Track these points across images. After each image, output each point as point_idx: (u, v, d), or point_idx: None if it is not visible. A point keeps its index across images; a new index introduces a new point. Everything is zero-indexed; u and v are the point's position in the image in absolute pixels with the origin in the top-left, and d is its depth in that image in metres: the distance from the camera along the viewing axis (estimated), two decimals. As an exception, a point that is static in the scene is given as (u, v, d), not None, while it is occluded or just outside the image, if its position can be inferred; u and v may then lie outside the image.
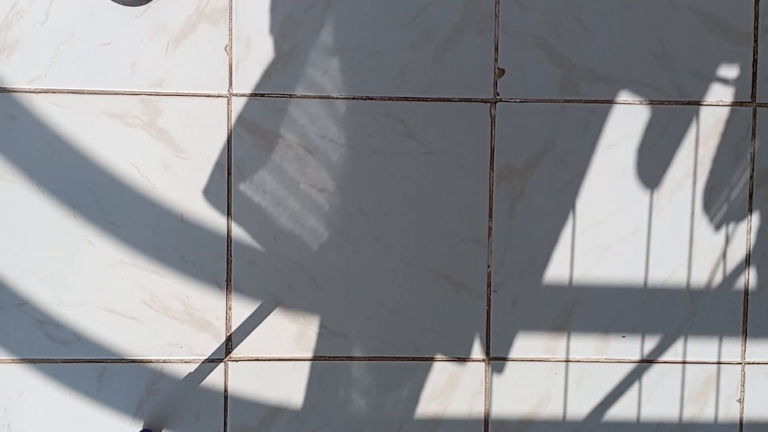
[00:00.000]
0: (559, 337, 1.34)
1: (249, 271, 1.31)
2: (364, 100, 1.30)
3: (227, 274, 1.31)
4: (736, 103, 1.31)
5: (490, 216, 1.32)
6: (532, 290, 1.33)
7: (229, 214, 1.30)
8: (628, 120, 1.31)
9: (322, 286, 1.32)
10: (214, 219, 1.30)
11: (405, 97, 1.31)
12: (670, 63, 1.31)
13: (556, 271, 1.33)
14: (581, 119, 1.31)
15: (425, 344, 1.33)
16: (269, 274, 1.31)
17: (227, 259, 1.31)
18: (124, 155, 1.29)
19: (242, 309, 1.32)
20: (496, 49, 1.30)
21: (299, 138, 1.30)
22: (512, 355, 1.34)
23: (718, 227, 1.33)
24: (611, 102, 1.31)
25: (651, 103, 1.31)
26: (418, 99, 1.31)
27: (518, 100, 1.31)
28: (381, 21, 1.29)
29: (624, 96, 1.31)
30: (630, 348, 1.34)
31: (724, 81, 1.31)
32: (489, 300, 1.33)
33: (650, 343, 1.34)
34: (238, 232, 1.31)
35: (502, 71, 1.31)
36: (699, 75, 1.31)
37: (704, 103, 1.31)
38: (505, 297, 1.33)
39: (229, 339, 1.32)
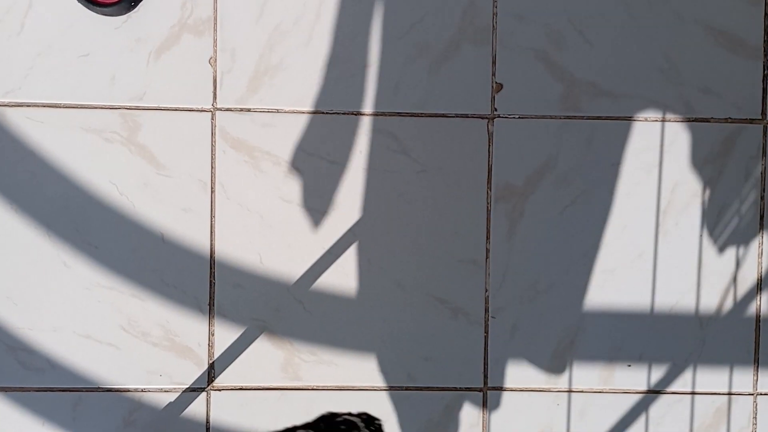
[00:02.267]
0: (562, 365, 1.26)
1: (233, 295, 1.24)
2: (356, 115, 1.24)
3: (210, 297, 1.24)
4: (745, 120, 1.25)
5: (488, 237, 1.25)
6: (532, 316, 1.26)
7: (212, 234, 1.24)
8: (632, 137, 1.25)
9: (311, 311, 1.25)
10: (197, 239, 1.23)
11: (399, 113, 1.24)
12: (676, 78, 1.25)
13: (558, 296, 1.26)
14: (583, 136, 1.25)
15: (420, 373, 1.26)
16: (255, 297, 1.24)
17: (210, 281, 1.24)
18: (102, 172, 1.22)
19: (226, 335, 1.25)
20: (494, 62, 1.24)
21: (287, 155, 1.24)
22: (511, 384, 1.27)
23: (727, 250, 1.26)
24: (615, 118, 1.25)
25: (657, 119, 1.25)
26: (413, 114, 1.24)
27: (517, 116, 1.25)
28: (373, 33, 1.24)
29: (628, 112, 1.25)
30: (636, 378, 1.27)
31: (733, 96, 1.25)
32: (487, 326, 1.26)
33: (657, 373, 1.27)
34: (222, 253, 1.24)
35: (500, 86, 1.25)
36: (707, 90, 1.25)
37: (712, 119, 1.25)
38: (504, 323, 1.26)
39: (211, 367, 1.25)
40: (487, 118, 1.25)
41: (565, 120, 1.25)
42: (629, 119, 1.25)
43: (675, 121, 1.25)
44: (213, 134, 1.24)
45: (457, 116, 1.25)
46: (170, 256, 1.23)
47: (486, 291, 1.26)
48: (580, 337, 1.26)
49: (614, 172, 1.26)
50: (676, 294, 1.26)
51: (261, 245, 1.24)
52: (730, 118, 1.25)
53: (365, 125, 1.24)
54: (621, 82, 1.25)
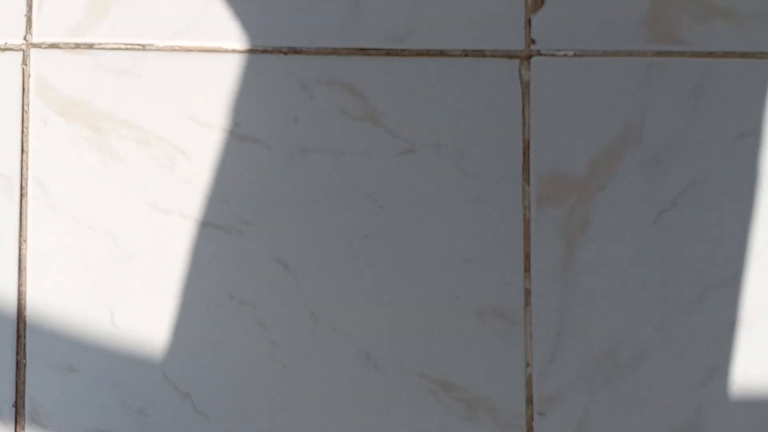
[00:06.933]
0: (667, 498, 0.71)
1: (62, 386, 0.68)
2: (286, 54, 0.71)
3: (17, 391, 0.67)
4: None
5: (527, 269, 0.71)
6: (611, 409, 0.70)
7: (21, 271, 0.68)
8: (773, 86, 0.73)
9: (207, 413, 0.69)
10: (-6, 284, 0.68)
11: (362, 49, 0.71)
12: None
13: (655, 371, 0.70)
14: (687, 87, 0.73)
15: None
16: (102, 389, 0.68)
17: (17, 361, 0.68)
18: None
19: (47, 461, 0.68)
20: (528, -38, 0.72)
21: (161, 126, 0.69)
22: None
23: None
24: (739, 56, 0.73)
25: (815, 54, 0.73)
26: (387, 53, 0.71)
27: (571, 54, 0.72)
28: None
29: (762, 46, 0.72)
30: None
31: None
32: (531, 430, 0.70)
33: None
34: (38, 307, 0.68)
35: (541, 1, 0.72)
36: None
37: None
38: (563, 424, 0.70)
39: None
40: (518, 57, 0.72)
41: (654, 58, 0.72)
42: (764, 57, 0.72)
43: None
44: (25, 90, 0.69)
45: (466, 55, 0.71)
46: (-57, 315, 0.68)
47: (527, 366, 0.70)
48: (698, 445, 0.71)
49: (745, 149, 0.72)
50: None
51: (113, 292, 0.68)
52: None
53: (303, 71, 0.70)
54: (747, -5, 0.73)
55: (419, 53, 0.72)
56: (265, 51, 0.71)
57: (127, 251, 0.69)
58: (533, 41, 0.72)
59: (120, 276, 0.68)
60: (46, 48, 0.70)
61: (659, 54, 0.72)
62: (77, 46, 0.69)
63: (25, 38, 0.70)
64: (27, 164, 0.69)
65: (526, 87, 0.72)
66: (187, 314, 0.69)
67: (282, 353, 0.70)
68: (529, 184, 0.71)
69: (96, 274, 0.68)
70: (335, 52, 0.71)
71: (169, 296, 0.69)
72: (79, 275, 0.68)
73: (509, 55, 0.72)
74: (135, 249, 0.69)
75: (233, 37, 0.71)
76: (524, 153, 0.71)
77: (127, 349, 0.68)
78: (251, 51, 0.70)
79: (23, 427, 0.67)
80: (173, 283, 0.69)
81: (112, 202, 0.69)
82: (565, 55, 0.72)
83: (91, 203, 0.69)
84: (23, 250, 0.68)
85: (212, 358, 0.69)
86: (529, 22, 0.72)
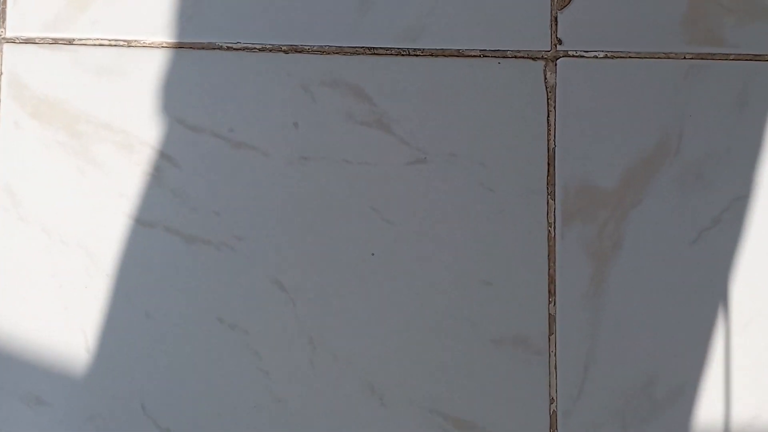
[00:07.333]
0: None
1: (29, 419, 0.61)
2: (286, 52, 0.64)
3: (-21, 426, 0.60)
4: None
5: (552, 292, 0.63)
6: (645, 452, 0.63)
7: (-14, 292, 0.61)
8: (827, 92, 0.65)
9: (191, 451, 0.61)
10: (-44, 304, 0.61)
11: (370, 48, 0.64)
12: None
13: (695, 407, 0.63)
14: (730, 93, 0.65)
15: None
16: (73, 425, 0.61)
17: (-21, 392, 0.60)
18: None
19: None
20: (554, -46, 0.66)
21: (145, 130, 0.62)
22: None
23: None
24: (787, 59, 0.66)
25: None
26: (399, 53, 0.64)
27: (602, 55, 0.65)
28: None
29: (811, 48, 0.66)
30: None
31: None
32: (556, 476, 0.62)
33: None
34: (4, 328, 0.61)
35: (568, -3, 0.66)
36: None
37: None
38: (591, 469, 0.62)
39: None
40: (543, 58, 0.64)
41: (694, 61, 0.65)
42: (815, 61, 0.66)
43: None
44: (-5, 89, 0.63)
45: (485, 56, 0.64)
46: None
47: (551, 402, 0.63)
48: (745, 494, 0.63)
49: (795, 161, 0.65)
50: None
51: (88, 314, 0.61)
52: None
53: (305, 72, 0.63)
54: (796, -9, 0.66)
55: (433, 53, 0.65)
56: (263, 49, 0.64)
57: (104, 268, 0.61)
58: (560, 41, 0.65)
59: (96, 296, 0.61)
60: (20, 43, 0.63)
61: (699, 56, 0.65)
62: (55, 41, 0.63)
63: (-3, 32, 0.63)
64: (-4, 170, 0.62)
65: (551, 91, 0.64)
66: (171, 340, 0.61)
67: (277, 384, 0.62)
68: (554, 199, 0.64)
69: (69, 294, 0.61)
70: (340, 51, 0.64)
71: (151, 320, 0.61)
72: (50, 295, 0.61)
73: (533, 56, 0.65)
74: (113, 266, 0.61)
75: (229, 33, 0.64)
76: (549, 164, 0.64)
77: (103, 379, 0.61)
78: (248, 49, 0.64)
79: (-16, 466, 0.60)
80: (155, 305, 0.61)
81: (89, 213, 0.62)
82: (595, 57, 0.65)
83: (65, 214, 0.62)
84: (-11, 267, 0.61)
85: (197, 390, 0.61)
86: (555, 20, 0.65)
